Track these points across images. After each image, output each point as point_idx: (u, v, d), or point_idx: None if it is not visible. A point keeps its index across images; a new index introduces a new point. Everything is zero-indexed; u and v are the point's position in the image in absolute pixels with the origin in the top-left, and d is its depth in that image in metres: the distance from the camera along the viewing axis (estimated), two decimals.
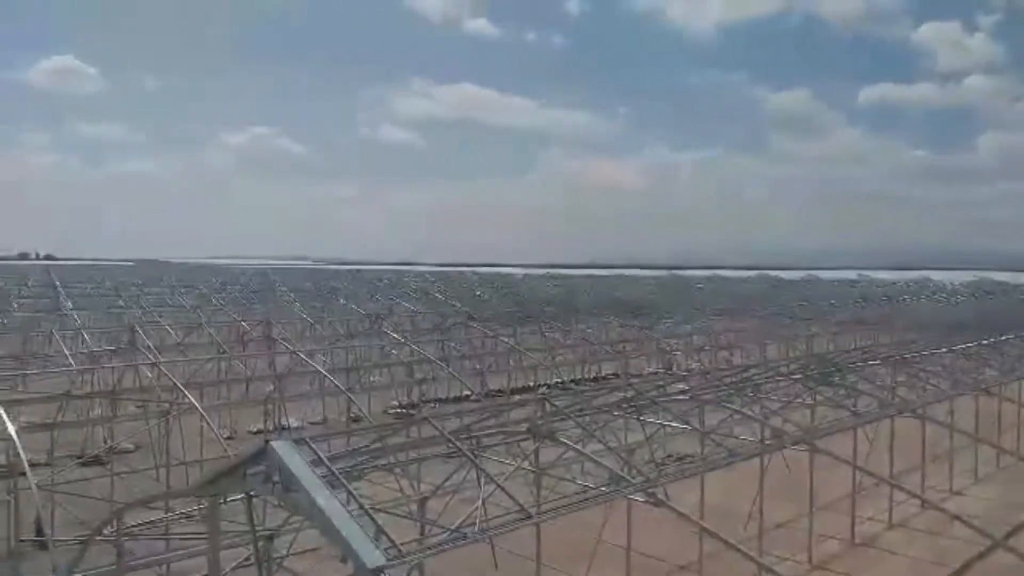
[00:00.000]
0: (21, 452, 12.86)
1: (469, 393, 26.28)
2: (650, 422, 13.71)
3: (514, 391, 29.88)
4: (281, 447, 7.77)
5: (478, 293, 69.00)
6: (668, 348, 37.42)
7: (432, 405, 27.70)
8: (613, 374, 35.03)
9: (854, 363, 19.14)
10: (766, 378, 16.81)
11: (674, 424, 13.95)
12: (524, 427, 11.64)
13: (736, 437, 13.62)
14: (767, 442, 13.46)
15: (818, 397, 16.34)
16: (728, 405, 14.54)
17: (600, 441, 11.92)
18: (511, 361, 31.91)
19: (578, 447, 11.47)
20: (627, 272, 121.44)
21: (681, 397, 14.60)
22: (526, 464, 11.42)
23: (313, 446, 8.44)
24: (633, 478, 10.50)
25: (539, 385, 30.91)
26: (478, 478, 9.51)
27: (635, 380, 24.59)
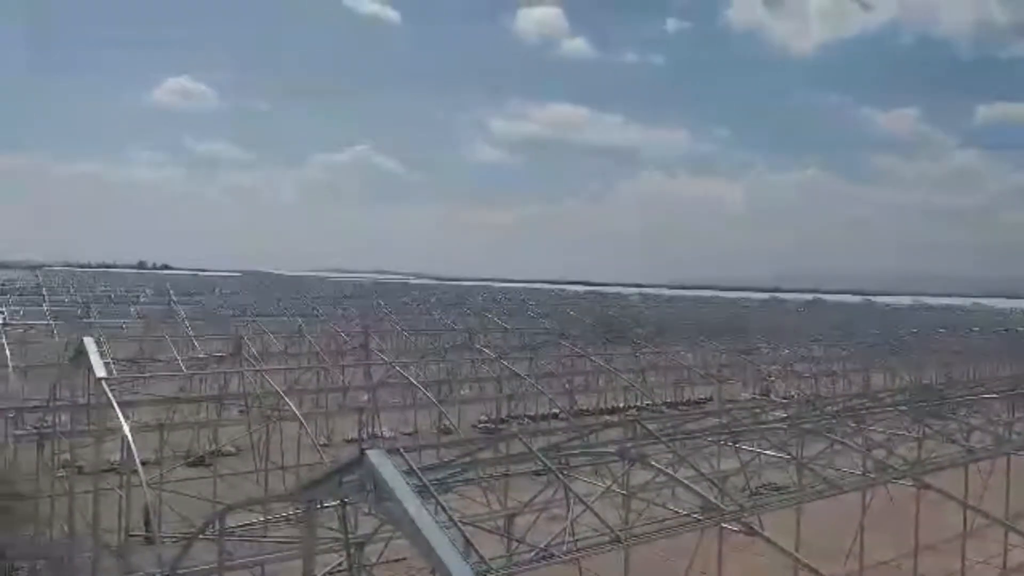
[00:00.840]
0: (134, 450, 13.54)
1: (558, 411, 26.19)
2: (745, 449, 13.32)
3: (604, 411, 29.59)
4: (376, 456, 7.91)
5: (570, 311, 68.81)
6: (766, 374, 36.31)
7: (521, 421, 27.73)
8: (707, 398, 34.23)
9: (967, 396, 18.11)
10: (870, 408, 16.09)
11: (770, 453, 13.50)
12: (614, 449, 11.52)
13: (837, 469, 13.08)
14: (870, 475, 12.88)
15: (926, 430, 15.52)
16: (829, 435, 13.99)
17: (692, 467, 11.66)
18: (601, 381, 31.62)
19: (669, 471, 11.26)
20: (724, 294, 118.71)
21: (779, 425, 14.13)
22: (615, 486, 11.29)
23: (406, 457, 8.58)
24: (726, 506, 10.23)
25: (629, 407, 30.50)
26: (566, 498, 9.46)
27: (731, 406, 23.96)
